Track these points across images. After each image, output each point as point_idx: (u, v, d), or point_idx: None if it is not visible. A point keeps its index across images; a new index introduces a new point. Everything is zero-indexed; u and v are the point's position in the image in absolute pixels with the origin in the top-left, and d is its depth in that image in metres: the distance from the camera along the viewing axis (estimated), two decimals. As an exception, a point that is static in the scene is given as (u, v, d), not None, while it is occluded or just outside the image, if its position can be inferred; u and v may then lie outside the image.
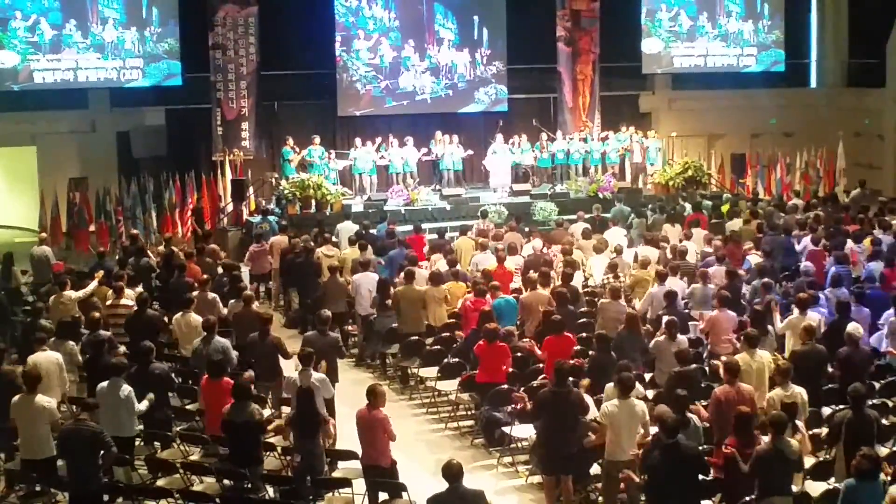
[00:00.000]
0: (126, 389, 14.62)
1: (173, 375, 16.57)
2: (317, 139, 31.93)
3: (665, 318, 17.09)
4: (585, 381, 15.09)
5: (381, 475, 13.67)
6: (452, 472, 11.76)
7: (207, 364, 15.49)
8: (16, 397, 14.15)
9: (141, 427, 15.26)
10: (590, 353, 16.89)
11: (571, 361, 16.34)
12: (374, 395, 13.82)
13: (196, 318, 18.09)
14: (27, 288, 23.92)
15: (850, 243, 23.06)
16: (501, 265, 21.84)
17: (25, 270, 24.46)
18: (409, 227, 27.14)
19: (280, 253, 24.55)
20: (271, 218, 28.21)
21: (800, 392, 14.26)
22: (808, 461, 13.51)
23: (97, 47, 33.29)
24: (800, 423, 13.50)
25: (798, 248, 23.56)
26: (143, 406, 14.84)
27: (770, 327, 17.32)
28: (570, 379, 14.42)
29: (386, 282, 21.01)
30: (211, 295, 19.84)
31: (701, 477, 12.72)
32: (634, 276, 21.21)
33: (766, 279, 19.74)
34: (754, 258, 22.42)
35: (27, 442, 14.06)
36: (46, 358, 15.81)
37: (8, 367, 15.50)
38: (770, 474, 12.20)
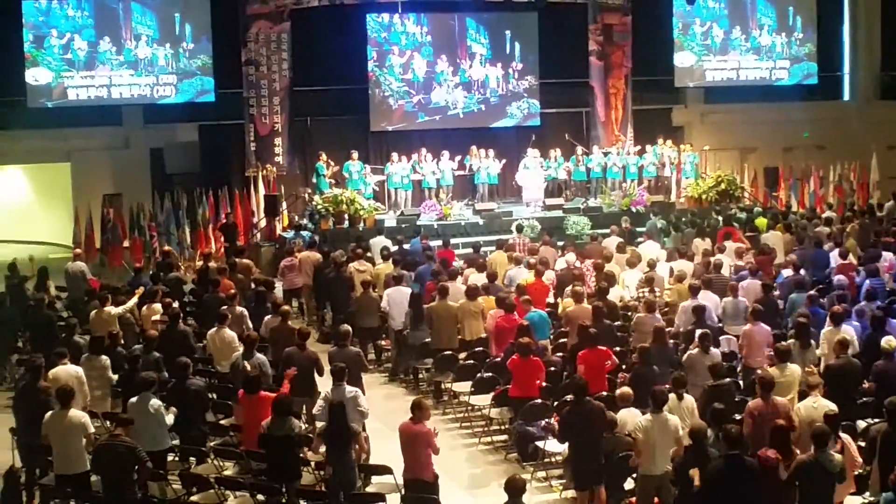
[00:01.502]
0: (155, 404, 14.69)
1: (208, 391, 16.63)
2: (354, 154, 31.96)
3: (698, 332, 17.02)
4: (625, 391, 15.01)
5: (424, 489, 13.64)
6: (517, 487, 11.94)
7: (243, 379, 15.55)
8: (49, 413, 14.20)
9: (176, 442, 15.33)
10: (633, 366, 16.77)
11: (608, 375, 16.47)
12: (419, 409, 13.82)
13: (230, 334, 18.15)
14: (62, 303, 24.04)
15: (885, 256, 22.89)
16: (539, 279, 21.76)
17: (60, 286, 24.57)
18: (441, 242, 27.06)
19: (312, 268, 24.60)
20: (304, 233, 28.25)
21: (826, 405, 14.14)
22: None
23: (130, 64, 33.54)
24: (846, 437, 13.39)
25: (830, 262, 23.42)
26: (170, 419, 14.93)
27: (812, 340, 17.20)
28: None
29: (419, 296, 21.01)
30: (239, 309, 19.84)
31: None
32: (673, 290, 21.09)
33: (811, 292, 19.66)
34: (788, 272, 22.24)
35: (61, 457, 14.09)
36: (66, 372, 15.95)
37: (44, 383, 15.55)
38: (810, 486, 12.14)
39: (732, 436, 12.37)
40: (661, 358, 16.71)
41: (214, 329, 18.63)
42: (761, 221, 28.76)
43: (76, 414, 14.17)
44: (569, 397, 14.98)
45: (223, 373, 18.01)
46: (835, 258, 23.16)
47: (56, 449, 14.14)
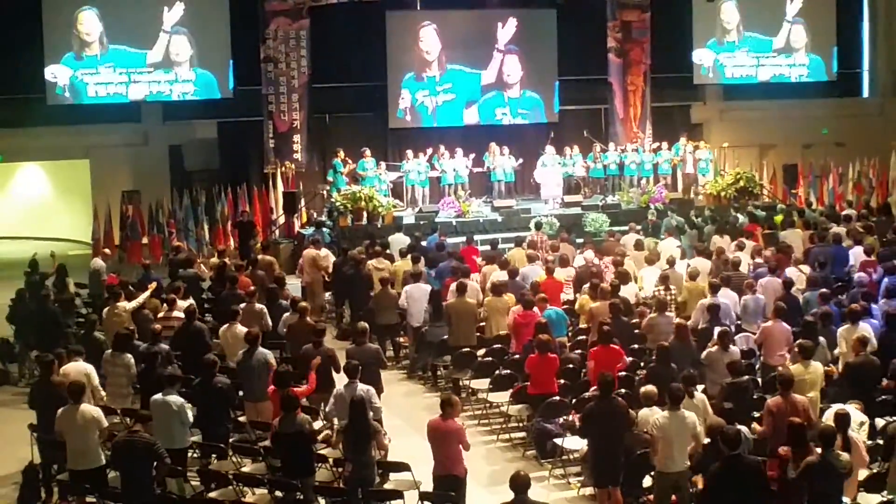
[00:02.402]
0: (178, 401, 14.70)
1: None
2: (367, 151, 31.92)
3: (717, 330, 16.99)
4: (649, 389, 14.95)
5: (454, 485, 13.60)
6: (520, 483, 11.94)
7: (275, 375, 15.58)
8: (61, 409, 14.24)
9: (197, 438, 15.34)
10: (649, 364, 16.77)
11: (622, 373, 16.44)
12: (449, 406, 13.76)
13: (242, 330, 18.05)
14: (81, 300, 24.09)
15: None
16: (550, 276, 21.78)
17: (81, 283, 24.59)
18: (460, 239, 27.04)
19: (310, 265, 24.65)
20: (325, 230, 28.24)
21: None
22: (862, 473, 13.41)
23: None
24: (855, 435, 13.35)
25: (850, 259, 23.31)
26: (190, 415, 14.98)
27: (822, 339, 17.12)
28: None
29: (437, 293, 21.02)
30: (258, 306, 19.82)
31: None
32: (685, 288, 21.02)
33: (823, 290, 19.58)
34: (793, 270, 22.08)
35: (75, 452, 14.12)
36: (76, 369, 16.00)
37: (57, 378, 15.59)
38: (820, 486, 12.09)
39: (731, 437, 12.33)
40: (682, 355, 16.65)
41: (227, 326, 18.62)
42: (780, 218, 28.68)
43: (88, 408, 14.23)
44: (588, 393, 14.98)
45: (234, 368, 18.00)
46: (856, 255, 23.08)
47: (70, 444, 14.16)
